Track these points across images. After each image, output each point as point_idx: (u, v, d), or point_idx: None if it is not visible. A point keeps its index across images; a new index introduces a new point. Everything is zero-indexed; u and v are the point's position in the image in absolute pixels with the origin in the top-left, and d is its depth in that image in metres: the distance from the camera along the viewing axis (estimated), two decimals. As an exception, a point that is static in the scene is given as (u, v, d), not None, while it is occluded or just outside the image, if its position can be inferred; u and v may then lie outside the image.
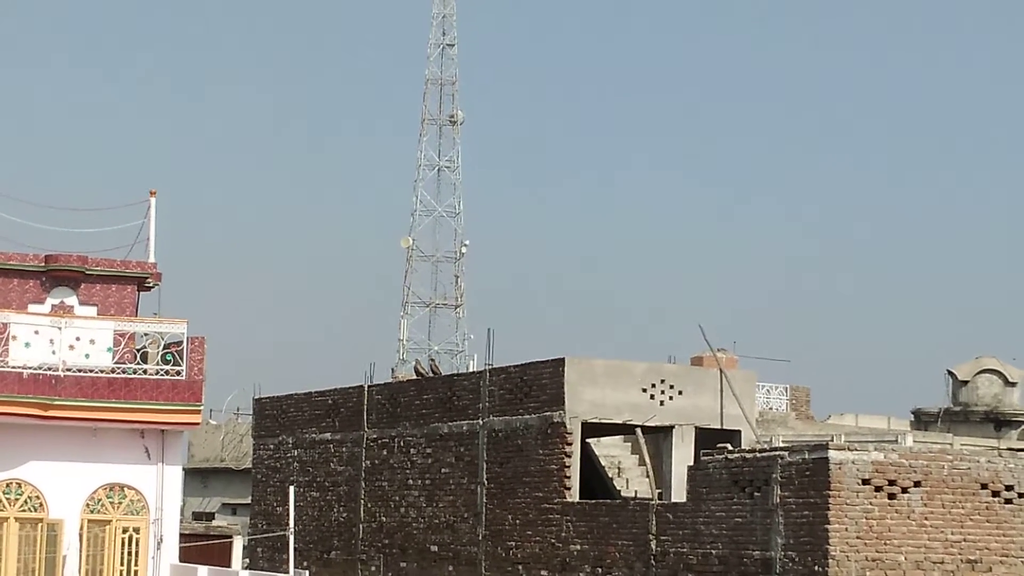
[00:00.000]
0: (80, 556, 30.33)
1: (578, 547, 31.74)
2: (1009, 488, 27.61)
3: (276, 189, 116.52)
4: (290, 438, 41.61)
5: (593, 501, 32.54)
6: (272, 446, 42.37)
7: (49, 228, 31.86)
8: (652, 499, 31.12)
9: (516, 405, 33.73)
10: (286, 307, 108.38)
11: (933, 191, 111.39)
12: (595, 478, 35.86)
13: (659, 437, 33.84)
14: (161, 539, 30.81)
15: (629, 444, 39.21)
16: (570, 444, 32.42)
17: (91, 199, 64.35)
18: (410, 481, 36.91)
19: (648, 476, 33.50)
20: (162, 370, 30.30)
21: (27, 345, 29.89)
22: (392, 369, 60.44)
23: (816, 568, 26.43)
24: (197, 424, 31.90)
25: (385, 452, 37.89)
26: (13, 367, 29.53)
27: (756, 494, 27.80)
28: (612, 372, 32.97)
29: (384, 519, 37.75)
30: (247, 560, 41.77)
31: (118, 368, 30.22)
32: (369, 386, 39.16)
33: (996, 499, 27.49)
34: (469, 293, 73.51)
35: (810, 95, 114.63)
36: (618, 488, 37.22)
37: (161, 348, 30.62)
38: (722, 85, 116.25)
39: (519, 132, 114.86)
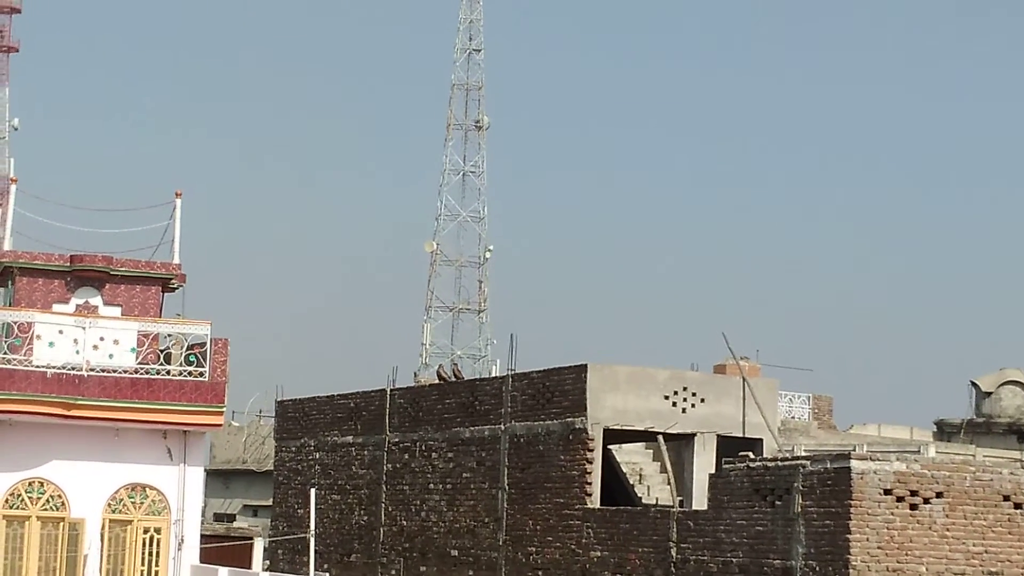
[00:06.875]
0: (101, 556, 30.38)
1: (598, 554, 31.70)
2: (1031, 501, 27.53)
3: (300, 192, 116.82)
4: (312, 441, 41.62)
5: (614, 508, 32.50)
6: (294, 448, 42.39)
7: (75, 228, 31.88)
8: (673, 507, 31.06)
9: (538, 411, 33.70)
10: (310, 309, 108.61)
11: (959, 203, 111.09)
12: (616, 485, 35.82)
13: (681, 444, 33.79)
14: (182, 540, 30.83)
15: (651, 451, 39.13)
16: (592, 450, 32.37)
17: (117, 200, 64.57)
18: (431, 485, 36.90)
19: (669, 483, 33.46)
20: (185, 371, 30.34)
21: (51, 345, 29.96)
22: (415, 373, 60.66)
23: (837, 578, 26.38)
24: (219, 425, 31.94)
25: (407, 456, 37.88)
26: (37, 366, 29.60)
27: (777, 503, 27.73)
28: (634, 379, 32.91)
29: (405, 523, 37.74)
30: (267, 562, 41.79)
31: (141, 369, 30.27)
32: (391, 390, 39.15)
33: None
34: (492, 298, 73.69)
35: (841, 105, 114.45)
36: (639, 495, 37.15)
37: (184, 349, 30.66)
38: (749, 90, 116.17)
39: (544, 137, 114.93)
